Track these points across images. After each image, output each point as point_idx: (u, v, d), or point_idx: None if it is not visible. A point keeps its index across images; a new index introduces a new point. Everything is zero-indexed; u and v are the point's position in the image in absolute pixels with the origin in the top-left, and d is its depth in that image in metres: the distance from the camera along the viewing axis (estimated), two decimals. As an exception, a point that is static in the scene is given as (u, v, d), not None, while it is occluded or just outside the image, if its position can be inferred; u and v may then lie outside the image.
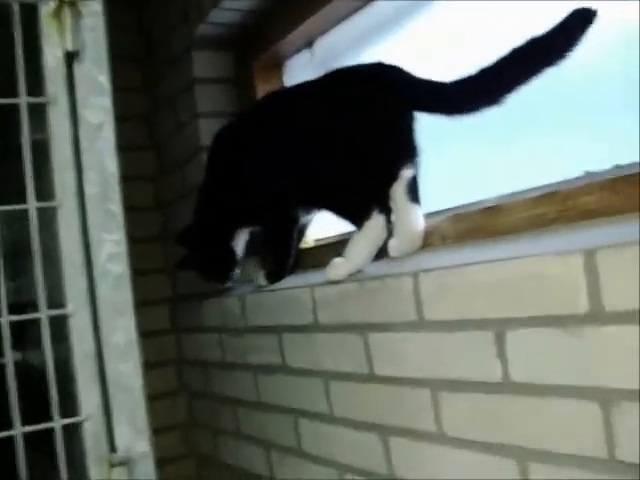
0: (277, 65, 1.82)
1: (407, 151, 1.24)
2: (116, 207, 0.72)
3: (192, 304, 2.02)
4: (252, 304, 1.64)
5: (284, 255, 1.59)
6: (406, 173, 1.24)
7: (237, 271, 1.69)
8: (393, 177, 1.24)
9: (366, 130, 1.25)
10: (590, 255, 0.82)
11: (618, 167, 1.01)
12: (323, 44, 1.69)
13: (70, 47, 0.70)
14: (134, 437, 0.72)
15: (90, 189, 0.71)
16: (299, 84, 1.47)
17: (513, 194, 1.18)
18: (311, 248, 1.65)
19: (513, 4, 1.18)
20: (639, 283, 0.76)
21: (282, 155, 1.42)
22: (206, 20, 1.76)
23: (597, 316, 0.82)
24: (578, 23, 0.97)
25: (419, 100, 1.22)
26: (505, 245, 1.08)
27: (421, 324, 1.10)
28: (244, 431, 1.77)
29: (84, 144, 0.71)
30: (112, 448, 0.72)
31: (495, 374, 0.97)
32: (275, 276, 1.60)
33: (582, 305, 0.84)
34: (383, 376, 1.21)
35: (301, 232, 1.63)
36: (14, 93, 0.69)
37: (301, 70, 1.78)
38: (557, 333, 0.88)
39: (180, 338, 2.19)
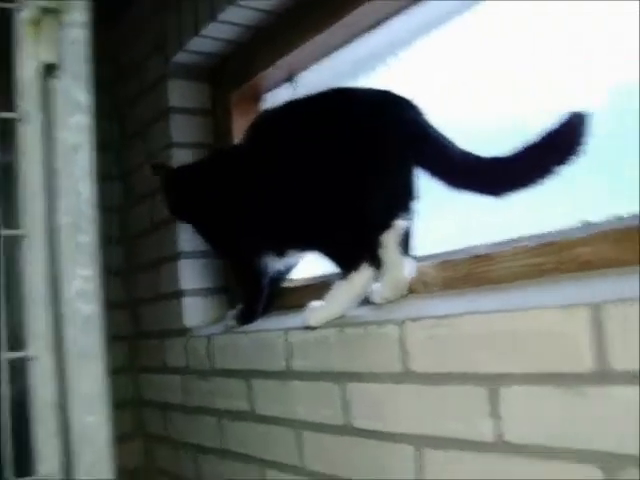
0: (256, 97, 1.76)
1: (405, 199, 1.15)
2: (89, 239, 0.63)
3: (154, 342, 1.92)
4: (220, 346, 1.56)
5: (255, 297, 1.51)
6: (401, 223, 1.16)
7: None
8: (387, 226, 1.15)
9: (364, 169, 1.13)
10: (596, 309, 0.78)
11: (619, 218, 0.97)
12: (305, 78, 1.65)
13: (47, 59, 0.63)
14: (100, 506, 0.62)
15: (61, 218, 0.63)
16: (287, 105, 1.30)
17: (503, 243, 1.13)
18: (287, 289, 1.57)
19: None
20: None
21: (267, 186, 1.29)
22: (185, 48, 1.70)
23: (603, 375, 0.78)
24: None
25: (436, 162, 1.08)
26: (498, 295, 1.02)
27: (406, 375, 1.04)
28: (205, 480, 1.66)
29: (57, 167, 0.63)
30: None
31: (487, 433, 0.92)
32: (245, 317, 1.52)
33: (586, 363, 0.79)
34: (361, 429, 1.14)
35: (282, 275, 1.54)
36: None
37: (281, 104, 1.72)
38: (557, 392, 0.83)
39: (138, 378, 2.08)
